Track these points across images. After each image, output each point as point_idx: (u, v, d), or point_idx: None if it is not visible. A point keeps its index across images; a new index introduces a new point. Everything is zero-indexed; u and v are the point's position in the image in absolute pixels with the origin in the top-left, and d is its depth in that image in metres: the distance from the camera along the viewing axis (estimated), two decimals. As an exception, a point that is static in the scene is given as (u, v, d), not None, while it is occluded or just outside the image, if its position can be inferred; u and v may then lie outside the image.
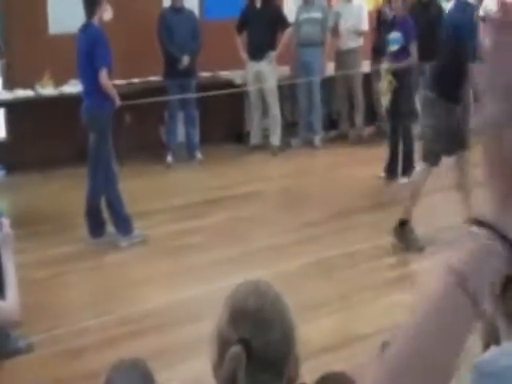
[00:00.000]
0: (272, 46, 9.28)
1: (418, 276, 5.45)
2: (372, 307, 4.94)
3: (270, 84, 9.36)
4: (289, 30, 9.38)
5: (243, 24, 9.33)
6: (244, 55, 9.33)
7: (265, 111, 9.65)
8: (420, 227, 6.34)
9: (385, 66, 7.77)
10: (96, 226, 6.30)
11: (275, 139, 9.51)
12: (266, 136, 9.72)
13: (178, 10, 8.84)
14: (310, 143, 9.76)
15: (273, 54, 9.26)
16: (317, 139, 9.78)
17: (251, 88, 9.42)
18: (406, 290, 5.12)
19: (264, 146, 9.52)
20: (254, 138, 9.65)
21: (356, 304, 5.00)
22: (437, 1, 10.16)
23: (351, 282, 5.34)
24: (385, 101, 7.83)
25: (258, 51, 9.22)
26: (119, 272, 5.70)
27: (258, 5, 9.26)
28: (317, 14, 9.60)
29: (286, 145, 9.63)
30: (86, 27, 6.17)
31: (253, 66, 9.32)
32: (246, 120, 10.02)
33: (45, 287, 5.32)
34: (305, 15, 9.58)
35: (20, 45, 8.68)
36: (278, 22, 9.30)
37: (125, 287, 5.35)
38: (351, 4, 9.81)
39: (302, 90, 9.78)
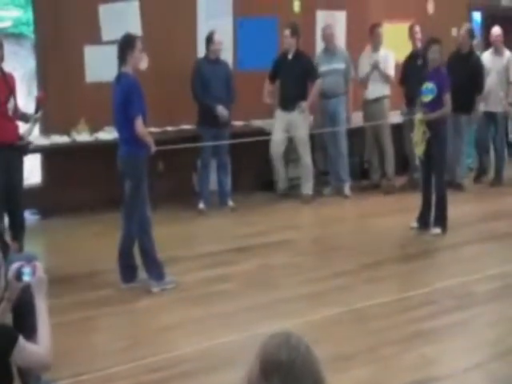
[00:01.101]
0: (303, 96, 9.37)
1: (450, 329, 5.37)
2: (401, 360, 4.84)
3: (301, 134, 9.43)
4: (319, 81, 9.48)
5: (275, 73, 9.45)
6: (268, 100, 9.41)
7: (297, 160, 9.71)
8: (457, 278, 6.33)
9: (419, 116, 7.79)
10: (128, 271, 6.33)
11: (307, 188, 9.54)
12: (297, 184, 9.76)
13: (213, 60, 8.98)
14: (341, 192, 9.78)
15: (304, 105, 9.34)
16: (346, 188, 9.80)
17: (278, 137, 9.46)
18: (436, 344, 5.08)
19: (296, 195, 9.57)
20: (282, 188, 9.67)
21: (385, 357, 4.90)
22: (476, 53, 10.25)
23: (381, 333, 5.25)
24: (419, 151, 7.83)
25: (289, 102, 9.33)
26: (149, 318, 5.70)
27: (290, 56, 9.39)
28: (339, 65, 9.71)
29: (317, 193, 9.66)
30: (120, 77, 6.24)
31: (284, 116, 9.42)
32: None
33: (75, 331, 5.33)
34: (327, 66, 9.70)
35: (57, 92, 8.86)
36: (309, 73, 9.40)
37: (155, 333, 5.34)
38: (378, 53, 9.94)
39: (329, 139, 9.86)
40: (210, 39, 8.97)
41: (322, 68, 9.70)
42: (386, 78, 9.91)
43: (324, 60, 9.78)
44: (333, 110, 9.71)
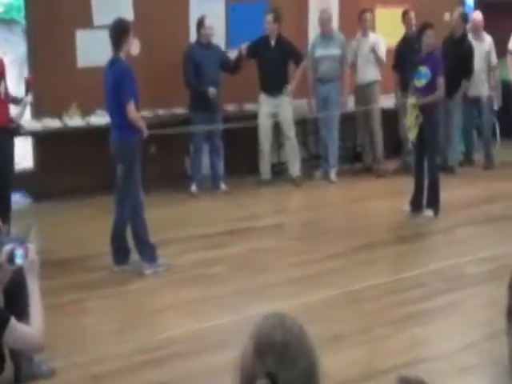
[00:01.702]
0: (286, 80, 9.38)
1: (441, 310, 5.38)
2: (394, 341, 4.86)
3: (286, 116, 9.42)
4: (304, 64, 9.48)
5: (254, 51, 9.31)
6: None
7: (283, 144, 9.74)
8: (449, 260, 6.34)
9: (411, 100, 7.77)
10: (121, 254, 6.34)
11: (296, 170, 9.54)
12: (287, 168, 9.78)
13: (204, 45, 8.95)
14: (328, 177, 9.78)
15: (289, 88, 9.34)
16: (332, 173, 9.76)
17: (264, 123, 9.42)
18: (428, 325, 5.10)
19: (286, 178, 9.58)
20: (265, 174, 9.61)
21: (378, 338, 4.93)
22: (468, 38, 10.25)
23: (373, 315, 5.27)
24: (411, 136, 7.81)
25: (274, 87, 9.30)
26: (142, 300, 5.69)
27: (273, 42, 9.35)
28: (335, 51, 9.66)
29: (308, 177, 9.67)
30: (113, 62, 6.23)
31: (269, 101, 9.39)
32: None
33: (68, 313, 5.33)
34: (323, 51, 9.63)
35: (49, 77, 8.80)
36: (292, 56, 9.38)
37: (147, 315, 5.35)
38: (368, 38, 9.93)
39: (322, 124, 9.85)
40: (200, 24, 8.94)
41: (318, 53, 9.64)
42: (380, 62, 9.89)
43: (320, 45, 9.71)
44: (327, 95, 9.66)
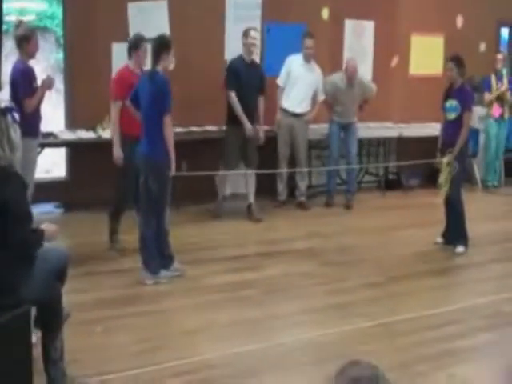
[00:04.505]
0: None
1: (480, 349, 5.25)
2: (432, 379, 4.72)
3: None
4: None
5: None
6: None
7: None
8: (484, 297, 6.25)
9: (445, 160, 7.52)
10: (167, 260, 6.43)
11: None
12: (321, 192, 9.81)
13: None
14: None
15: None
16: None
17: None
18: (466, 364, 4.93)
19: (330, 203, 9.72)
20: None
21: (413, 375, 4.73)
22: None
23: (408, 350, 5.09)
24: (443, 193, 7.58)
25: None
26: (174, 319, 5.56)
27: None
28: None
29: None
30: (152, 74, 6.32)
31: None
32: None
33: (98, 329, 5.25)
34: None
35: (84, 87, 8.81)
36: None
37: (179, 336, 5.22)
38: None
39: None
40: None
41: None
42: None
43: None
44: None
